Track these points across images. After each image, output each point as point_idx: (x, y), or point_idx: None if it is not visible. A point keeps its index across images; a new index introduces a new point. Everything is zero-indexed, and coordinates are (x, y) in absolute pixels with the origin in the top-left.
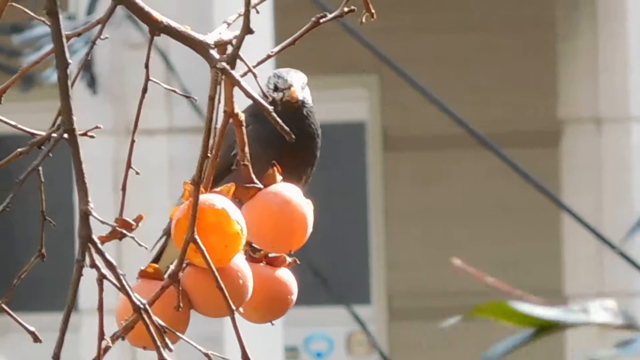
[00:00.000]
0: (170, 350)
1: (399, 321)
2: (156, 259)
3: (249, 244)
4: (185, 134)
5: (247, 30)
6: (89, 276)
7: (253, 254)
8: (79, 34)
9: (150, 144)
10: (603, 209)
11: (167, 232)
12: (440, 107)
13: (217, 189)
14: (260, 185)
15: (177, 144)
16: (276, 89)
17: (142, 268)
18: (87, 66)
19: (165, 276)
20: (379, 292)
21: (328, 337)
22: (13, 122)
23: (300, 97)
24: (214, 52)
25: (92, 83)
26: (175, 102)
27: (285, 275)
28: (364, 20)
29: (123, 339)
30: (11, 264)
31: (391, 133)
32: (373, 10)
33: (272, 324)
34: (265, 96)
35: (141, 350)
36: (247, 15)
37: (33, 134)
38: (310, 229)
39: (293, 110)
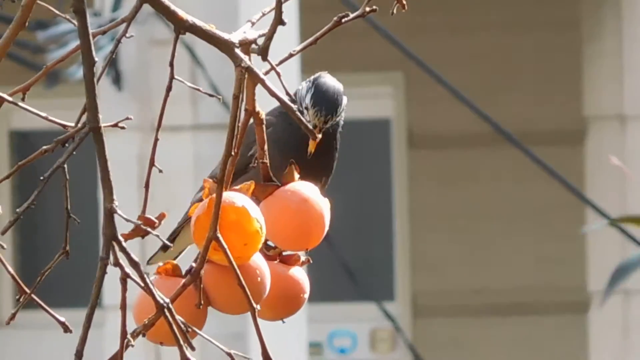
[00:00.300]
0: (193, 349)
1: (422, 318)
2: (165, 247)
3: (264, 241)
4: (210, 130)
5: (278, 21)
6: (112, 273)
7: (267, 252)
8: (104, 32)
9: (175, 141)
10: (627, 206)
11: (183, 221)
12: (466, 104)
13: (237, 187)
14: (278, 184)
15: (202, 141)
16: (307, 110)
17: (161, 264)
18: (112, 63)
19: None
20: (404, 289)
21: (352, 333)
22: (44, 114)
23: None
24: (238, 51)
25: (117, 80)
26: (201, 98)
27: (299, 273)
28: (394, 11)
29: (143, 335)
30: (34, 261)
31: (416, 130)
32: (405, 1)
33: (283, 322)
34: (293, 101)
35: (165, 348)
36: (278, 7)
37: (64, 126)
38: (327, 228)
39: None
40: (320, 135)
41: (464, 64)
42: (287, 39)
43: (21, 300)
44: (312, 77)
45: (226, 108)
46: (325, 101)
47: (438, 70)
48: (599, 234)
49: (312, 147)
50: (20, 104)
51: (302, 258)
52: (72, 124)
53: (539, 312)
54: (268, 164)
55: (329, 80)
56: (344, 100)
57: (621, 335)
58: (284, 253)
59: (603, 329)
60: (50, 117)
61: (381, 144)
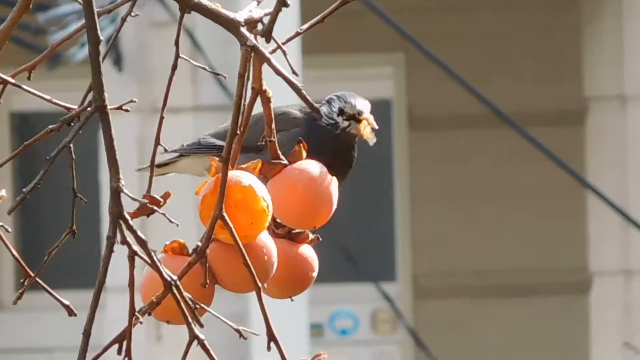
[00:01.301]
0: (201, 325)
1: (423, 299)
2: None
3: (272, 219)
4: (211, 111)
5: (282, 3)
6: (114, 255)
7: (276, 230)
8: (109, 11)
9: (176, 122)
10: (628, 187)
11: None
12: (465, 86)
13: (244, 166)
14: (285, 162)
15: (203, 122)
16: (341, 112)
17: (167, 243)
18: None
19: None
20: (404, 270)
21: (353, 314)
22: (47, 97)
23: (372, 137)
24: (244, 30)
25: (118, 61)
26: (202, 80)
27: (308, 251)
28: None
29: (150, 314)
30: (34, 242)
31: (417, 111)
32: None
33: (292, 300)
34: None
35: (166, 325)
36: None
37: (68, 109)
38: (335, 206)
39: (352, 139)
40: (371, 118)
41: (463, 44)
42: (289, 19)
43: (25, 283)
44: (328, 96)
45: (225, 90)
46: (354, 97)
47: (437, 51)
48: (600, 215)
49: (365, 132)
50: (24, 86)
51: (311, 236)
52: (76, 107)
53: (541, 292)
54: (276, 143)
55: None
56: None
57: (622, 315)
58: (293, 231)
59: (604, 309)
60: (54, 100)
61: (382, 125)
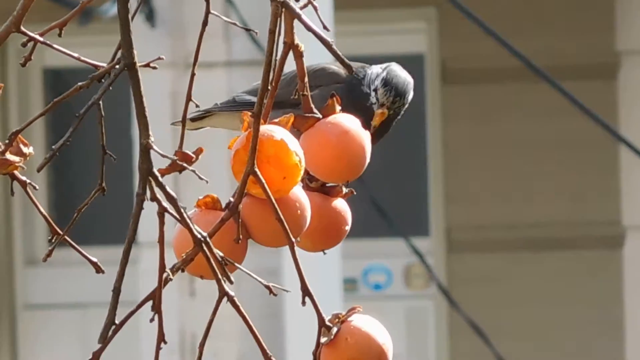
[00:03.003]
0: (231, 282)
1: (457, 253)
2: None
3: (306, 172)
4: (243, 67)
5: None
6: (147, 210)
7: (310, 183)
8: None
9: (209, 77)
10: None
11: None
12: (497, 39)
13: (276, 120)
14: (319, 115)
15: (236, 77)
16: (376, 90)
17: (200, 197)
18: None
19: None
20: (437, 224)
21: (386, 269)
22: (76, 55)
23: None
24: None
25: (150, 16)
26: (234, 35)
27: (341, 205)
28: None
29: (183, 270)
30: (67, 197)
31: (450, 66)
32: None
33: (324, 253)
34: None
35: (199, 280)
36: None
37: (96, 66)
38: (368, 160)
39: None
40: (385, 111)
41: None
42: None
43: (54, 240)
44: (384, 64)
45: (258, 45)
46: (395, 85)
47: (469, 5)
48: (633, 168)
49: (377, 122)
50: (54, 45)
51: (345, 190)
52: (104, 64)
53: (574, 246)
54: (309, 96)
55: (401, 70)
56: (411, 93)
57: None
58: (327, 185)
59: (637, 263)
60: (82, 58)
61: (415, 79)
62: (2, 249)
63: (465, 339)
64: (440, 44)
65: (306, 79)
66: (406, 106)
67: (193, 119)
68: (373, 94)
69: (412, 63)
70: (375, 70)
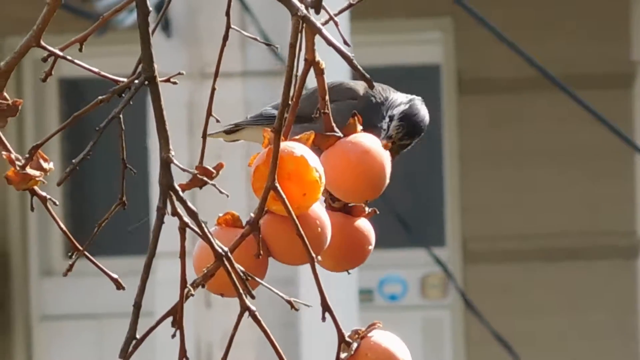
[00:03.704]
0: (252, 297)
1: (473, 264)
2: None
3: (328, 192)
4: (259, 77)
5: None
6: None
7: (332, 203)
8: None
9: (225, 87)
10: None
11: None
12: (514, 49)
13: (297, 137)
14: (340, 134)
15: (252, 87)
16: (391, 119)
17: (220, 215)
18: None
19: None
20: (454, 234)
21: (402, 279)
22: (96, 69)
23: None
24: (295, 0)
25: (166, 26)
26: (249, 44)
27: (364, 225)
28: None
29: (203, 286)
30: (88, 205)
31: (465, 76)
32: None
33: (349, 273)
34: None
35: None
36: None
37: (116, 81)
38: (387, 180)
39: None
40: (389, 145)
41: (511, 6)
42: None
43: (74, 256)
44: (410, 96)
45: (275, 55)
46: (411, 125)
47: (485, 14)
48: None
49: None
50: (75, 60)
51: (367, 210)
52: (124, 79)
53: (590, 257)
54: (330, 115)
55: (422, 107)
56: (422, 134)
57: None
58: (349, 205)
59: None
60: (102, 72)
61: (431, 89)
62: (17, 260)
63: (482, 349)
64: (456, 54)
65: (327, 97)
66: (410, 147)
67: (227, 132)
68: (387, 119)
69: (428, 73)
70: (400, 98)
